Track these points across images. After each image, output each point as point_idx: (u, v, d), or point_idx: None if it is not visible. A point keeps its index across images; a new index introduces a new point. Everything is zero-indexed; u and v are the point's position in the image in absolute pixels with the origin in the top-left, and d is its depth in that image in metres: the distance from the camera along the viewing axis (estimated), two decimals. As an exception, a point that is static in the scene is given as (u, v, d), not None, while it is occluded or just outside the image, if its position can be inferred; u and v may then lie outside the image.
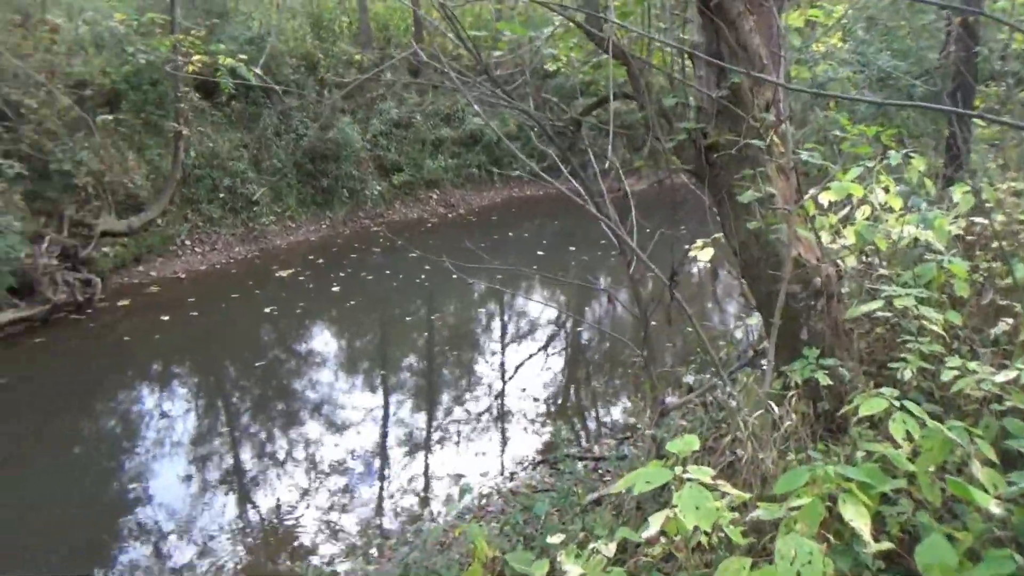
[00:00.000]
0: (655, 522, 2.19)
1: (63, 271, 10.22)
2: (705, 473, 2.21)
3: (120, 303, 10.49)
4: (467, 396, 7.97)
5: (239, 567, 5.32)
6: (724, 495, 2.28)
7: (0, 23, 10.51)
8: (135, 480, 6.49)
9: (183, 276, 11.56)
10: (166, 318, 9.93)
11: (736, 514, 2.30)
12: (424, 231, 14.24)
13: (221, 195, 12.86)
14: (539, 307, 10.39)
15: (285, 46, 14.85)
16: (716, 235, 4.17)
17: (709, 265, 8.80)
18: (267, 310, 10.08)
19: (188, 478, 6.48)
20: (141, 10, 12.42)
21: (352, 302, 10.61)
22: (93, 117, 11.47)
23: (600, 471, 5.75)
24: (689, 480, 2.17)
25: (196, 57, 10.24)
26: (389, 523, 5.79)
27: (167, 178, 12.18)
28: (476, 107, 4.66)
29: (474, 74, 4.52)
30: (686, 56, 4.10)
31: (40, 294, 9.82)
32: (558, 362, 9.06)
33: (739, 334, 7.27)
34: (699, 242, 4.43)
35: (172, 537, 5.68)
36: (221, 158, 12.93)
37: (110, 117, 11.71)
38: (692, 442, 2.39)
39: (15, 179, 9.81)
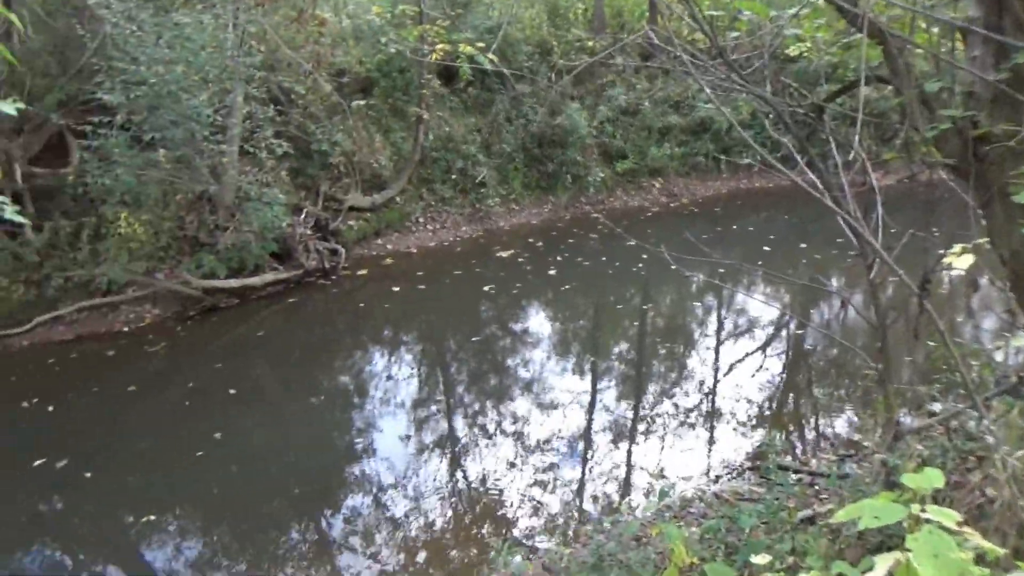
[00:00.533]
0: (882, 565, 1.84)
1: (315, 240, 11.41)
2: (949, 516, 1.87)
3: (359, 272, 11.51)
4: (676, 390, 7.78)
5: (447, 527, 5.64)
6: (971, 545, 1.92)
7: (281, 18, 11.86)
8: (361, 434, 7.13)
9: (414, 251, 12.42)
10: (396, 288, 10.75)
11: (987, 571, 1.92)
12: (644, 219, 14.07)
13: (453, 176, 13.61)
14: (760, 306, 9.85)
15: (521, 33, 15.33)
16: (979, 240, 3.64)
17: (966, 274, 7.81)
18: (486, 288, 10.54)
19: (407, 438, 6.98)
20: (395, 3, 13.40)
21: (567, 286, 10.76)
22: (349, 103, 12.65)
23: (816, 487, 5.33)
24: (928, 522, 1.86)
25: (439, 46, 10.84)
26: (588, 507, 5.83)
27: (407, 159, 13.12)
28: (708, 92, 4.46)
29: (708, 58, 4.32)
30: (956, 34, 3.61)
31: (296, 260, 11.06)
32: (776, 365, 8.53)
33: (999, 356, 6.36)
34: (957, 247, 3.89)
35: (390, 491, 6.14)
36: (455, 141, 13.67)
37: (362, 102, 12.85)
38: (935, 478, 2.04)
39: (282, 157, 11.06)
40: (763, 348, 8.87)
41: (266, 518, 5.93)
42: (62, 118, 10.14)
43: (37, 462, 6.57)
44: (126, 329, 9.76)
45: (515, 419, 7.23)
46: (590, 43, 15.68)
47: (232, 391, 7.88)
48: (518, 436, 6.90)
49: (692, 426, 6.96)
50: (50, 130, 10.33)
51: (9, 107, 3.59)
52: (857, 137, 2.98)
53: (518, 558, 4.88)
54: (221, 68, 9.59)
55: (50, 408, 7.59)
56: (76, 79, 9.96)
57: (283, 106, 12.02)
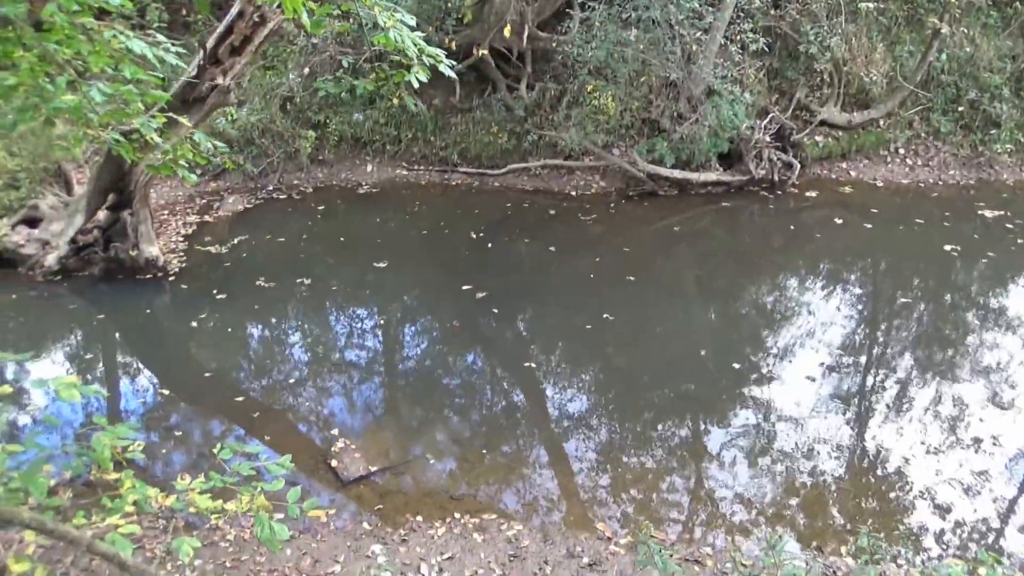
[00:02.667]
0: None
1: (771, 149, 10.76)
2: None
3: (808, 193, 10.63)
4: None
5: (834, 488, 5.18)
6: None
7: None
8: (755, 359, 6.79)
9: (880, 184, 10.95)
10: (839, 221, 9.68)
11: None
12: None
13: (959, 108, 11.39)
14: None
15: None
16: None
17: None
18: (947, 247, 8.82)
19: (810, 379, 6.40)
20: None
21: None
22: (858, 3, 11.23)
23: None
24: None
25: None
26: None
27: (907, 78, 11.33)
28: None
29: None
30: None
31: (744, 165, 10.64)
32: None
33: None
34: None
35: (775, 434, 5.75)
36: (976, 66, 11.31)
37: (873, 5, 11.29)
38: None
39: (758, 54, 10.47)
40: None
41: (632, 414, 6.15)
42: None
43: (464, 287, 7.83)
44: (573, 193, 10.70)
45: (943, 402, 6.14)
46: None
47: (631, 277, 8.16)
48: (944, 423, 5.86)
49: None
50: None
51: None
52: None
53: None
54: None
55: (489, 245, 8.90)
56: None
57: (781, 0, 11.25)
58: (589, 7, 10.04)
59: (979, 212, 9.81)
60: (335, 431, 5.74)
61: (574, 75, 10.72)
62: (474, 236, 9.12)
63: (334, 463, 5.31)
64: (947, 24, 10.89)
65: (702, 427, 5.92)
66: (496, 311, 7.54)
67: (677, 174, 10.43)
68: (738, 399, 6.18)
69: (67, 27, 3.14)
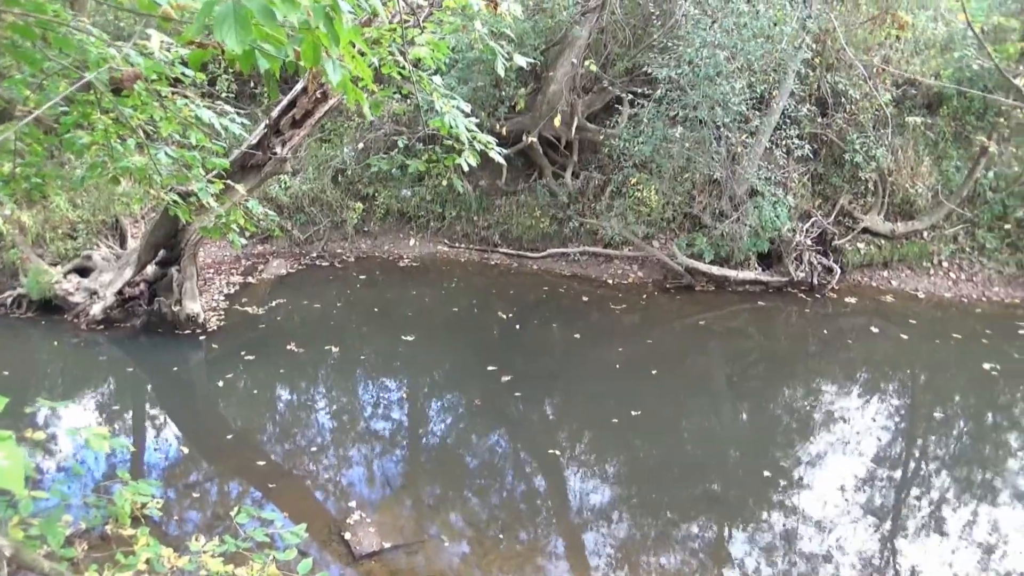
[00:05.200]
0: None
1: (812, 252, 10.75)
2: None
3: (847, 299, 10.52)
4: None
5: None
6: None
7: (858, 16, 11.16)
8: (783, 465, 6.60)
9: (922, 296, 10.79)
10: (875, 330, 9.53)
11: None
12: None
13: (1007, 226, 11.29)
14: None
15: None
16: None
17: None
18: (986, 366, 8.59)
19: (841, 489, 6.19)
20: (995, 8, 11.41)
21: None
22: (906, 117, 11.38)
23: None
24: None
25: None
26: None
27: (953, 192, 11.32)
28: None
29: None
30: None
31: (783, 266, 10.62)
32: None
33: None
34: None
35: (806, 533, 5.65)
36: (1024, 184, 11.28)
37: (920, 120, 11.42)
38: None
39: (802, 160, 10.59)
40: None
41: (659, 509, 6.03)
42: (623, 85, 11.33)
43: (490, 367, 7.83)
44: (609, 281, 10.75)
45: (963, 516, 5.90)
46: None
47: (660, 370, 8.09)
48: (966, 537, 5.61)
49: None
50: (611, 93, 11.63)
51: (522, 60, 4.18)
52: None
53: None
54: (768, 59, 9.51)
55: (517, 327, 8.93)
56: (644, 52, 10.97)
57: (828, 108, 11.43)
58: (638, 104, 10.34)
59: (1020, 331, 9.59)
60: (352, 503, 5.68)
61: (619, 167, 10.95)
62: (504, 317, 9.17)
63: (348, 536, 5.23)
64: (995, 143, 10.94)
65: (726, 532, 5.73)
66: (519, 394, 7.49)
67: (715, 270, 10.45)
68: (764, 503, 5.99)
69: (143, 94, 3.34)
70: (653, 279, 10.79)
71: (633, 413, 7.12)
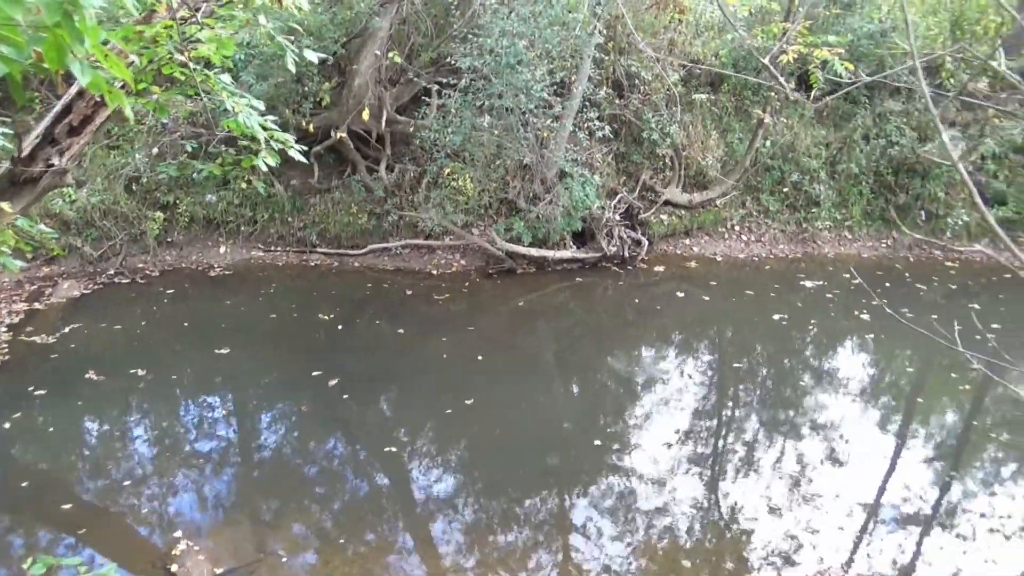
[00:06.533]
0: None
1: (621, 227, 11.38)
2: None
3: (656, 268, 11.26)
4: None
5: (692, 544, 5.33)
6: None
7: (638, 1, 11.86)
8: (611, 432, 6.98)
9: (719, 259, 11.78)
10: (681, 295, 10.31)
11: None
12: (1007, 281, 11.60)
13: (785, 189, 12.57)
14: None
15: (911, 45, 13.39)
16: None
17: None
18: (776, 316, 9.59)
19: (667, 445, 6.67)
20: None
21: (878, 336, 9.32)
22: (693, 94, 12.29)
23: None
24: None
25: (793, 48, 9.95)
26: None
27: (738, 162, 12.40)
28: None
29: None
30: None
31: (597, 243, 11.16)
32: None
33: None
34: None
35: (633, 497, 5.97)
36: (797, 152, 12.56)
37: (706, 96, 12.39)
38: None
39: (604, 140, 11.15)
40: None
41: (492, 492, 6.15)
42: (429, 76, 11.33)
43: (315, 372, 7.63)
44: (434, 272, 10.79)
45: (786, 456, 6.58)
46: (994, 63, 13.14)
47: (480, 357, 8.28)
48: (790, 478, 6.23)
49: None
50: (419, 85, 11.60)
51: (313, 55, 4.10)
52: None
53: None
54: (565, 46, 9.89)
55: (340, 328, 8.76)
56: (447, 42, 11.02)
57: (624, 89, 12.09)
58: (446, 94, 10.39)
59: (802, 283, 10.75)
60: (178, 532, 5.35)
61: (432, 158, 10.97)
62: (327, 319, 8.95)
63: (175, 568, 4.93)
64: (768, 115, 12.09)
65: (567, 502, 5.98)
66: (347, 396, 7.36)
67: (534, 252, 10.79)
68: (600, 470, 6.33)
69: None
70: (476, 266, 10.96)
71: (467, 402, 7.22)
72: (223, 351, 8.10)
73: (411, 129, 11.17)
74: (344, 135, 10.81)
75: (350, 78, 10.84)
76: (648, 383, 8.10)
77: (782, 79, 11.22)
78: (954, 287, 10.89)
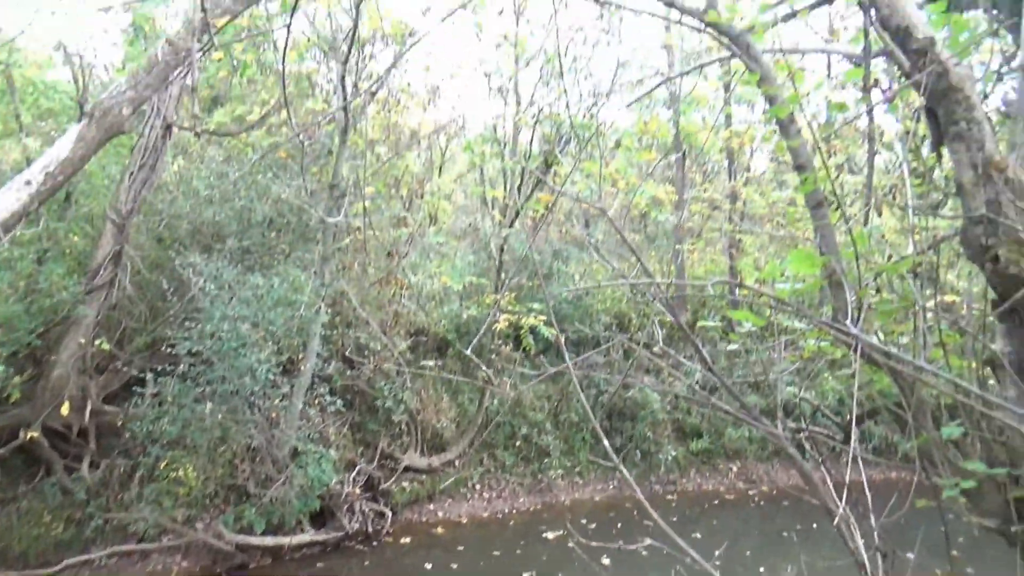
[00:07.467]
0: None
1: (363, 500, 10.97)
2: None
3: (403, 540, 10.84)
4: None
5: None
6: None
7: (362, 279, 12.60)
8: None
9: (465, 521, 11.72)
10: (428, 566, 9.94)
11: None
12: (717, 505, 12.93)
13: (517, 443, 13.21)
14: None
15: (602, 305, 15.58)
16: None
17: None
18: (525, 575, 9.56)
19: None
20: (472, 271, 14.05)
21: (620, 581, 9.62)
22: (421, 360, 12.88)
23: None
24: None
25: (504, 316, 11.12)
26: None
27: (471, 422, 12.91)
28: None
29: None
30: (985, 369, 3.12)
31: (338, 520, 10.58)
32: None
33: None
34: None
35: None
36: (523, 407, 13.45)
37: (433, 363, 13.05)
38: None
39: (337, 413, 11.06)
40: None
41: None
42: (143, 362, 10.64)
43: None
44: (148, 582, 9.35)
45: None
46: (668, 319, 15.67)
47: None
48: None
49: None
50: (131, 371, 10.82)
51: None
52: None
53: None
54: (290, 325, 9.99)
55: None
56: (163, 327, 10.58)
57: (355, 361, 12.33)
58: (161, 381, 9.74)
59: (543, 535, 10.98)
60: None
61: (145, 451, 9.97)
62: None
63: None
64: (492, 375, 12.97)
65: None
66: None
67: (268, 541, 9.89)
68: None
69: None
70: (201, 566, 9.70)
71: None
72: None
73: (121, 420, 10.19)
74: (36, 434, 9.52)
75: (48, 369, 9.83)
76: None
77: (500, 341, 12.18)
78: (675, 519, 11.79)
